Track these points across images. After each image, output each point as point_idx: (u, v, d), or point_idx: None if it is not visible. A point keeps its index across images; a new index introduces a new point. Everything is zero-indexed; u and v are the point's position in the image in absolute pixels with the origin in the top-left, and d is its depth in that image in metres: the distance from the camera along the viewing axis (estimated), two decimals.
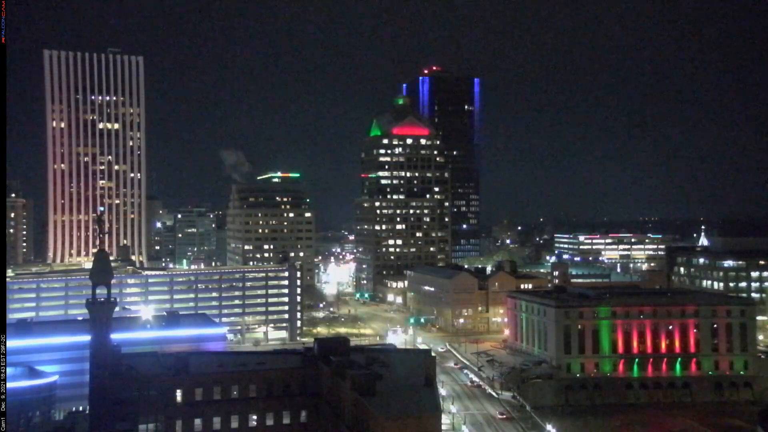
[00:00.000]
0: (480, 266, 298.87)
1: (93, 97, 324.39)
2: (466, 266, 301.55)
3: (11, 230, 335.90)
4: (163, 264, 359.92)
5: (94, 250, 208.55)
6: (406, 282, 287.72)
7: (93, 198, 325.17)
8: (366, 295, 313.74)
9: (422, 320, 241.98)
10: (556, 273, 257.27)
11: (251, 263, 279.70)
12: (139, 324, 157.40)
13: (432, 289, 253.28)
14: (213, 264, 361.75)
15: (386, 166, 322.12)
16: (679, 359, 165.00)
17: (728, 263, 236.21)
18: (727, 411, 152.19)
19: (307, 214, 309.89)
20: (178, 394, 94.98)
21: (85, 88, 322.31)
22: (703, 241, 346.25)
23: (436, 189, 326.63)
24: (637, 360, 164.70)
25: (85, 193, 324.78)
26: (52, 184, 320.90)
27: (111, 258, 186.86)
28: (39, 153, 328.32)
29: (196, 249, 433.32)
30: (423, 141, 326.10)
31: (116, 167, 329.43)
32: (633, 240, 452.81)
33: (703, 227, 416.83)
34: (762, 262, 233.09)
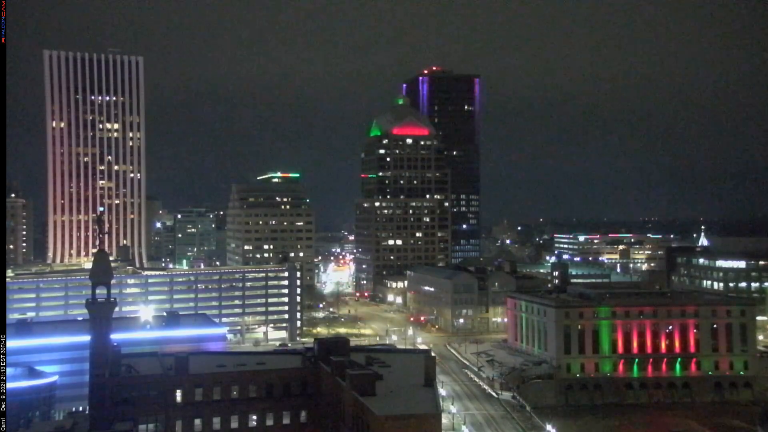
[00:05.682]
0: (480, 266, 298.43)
1: (93, 98, 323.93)
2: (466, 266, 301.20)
3: (11, 230, 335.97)
4: (163, 264, 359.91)
5: (94, 250, 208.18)
6: (406, 282, 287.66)
7: (93, 198, 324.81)
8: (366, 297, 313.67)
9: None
10: (556, 273, 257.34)
11: (251, 263, 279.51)
12: (139, 324, 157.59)
13: (432, 289, 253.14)
14: (213, 264, 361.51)
15: (386, 166, 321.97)
16: (679, 359, 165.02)
17: (728, 263, 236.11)
18: (727, 411, 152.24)
19: (307, 214, 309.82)
20: (178, 394, 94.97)
21: (85, 88, 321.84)
22: (703, 241, 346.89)
23: (436, 189, 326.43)
24: (637, 360, 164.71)
25: (85, 193, 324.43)
26: (52, 184, 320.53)
27: (111, 258, 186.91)
28: (39, 153, 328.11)
29: (196, 249, 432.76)
30: (423, 141, 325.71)
31: (116, 167, 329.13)
32: (633, 240, 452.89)
33: (703, 227, 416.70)
34: (762, 262, 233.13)
